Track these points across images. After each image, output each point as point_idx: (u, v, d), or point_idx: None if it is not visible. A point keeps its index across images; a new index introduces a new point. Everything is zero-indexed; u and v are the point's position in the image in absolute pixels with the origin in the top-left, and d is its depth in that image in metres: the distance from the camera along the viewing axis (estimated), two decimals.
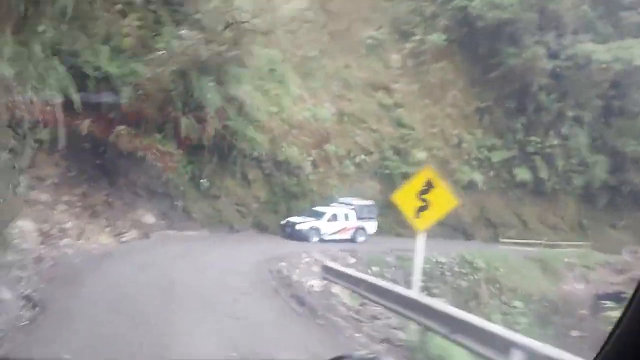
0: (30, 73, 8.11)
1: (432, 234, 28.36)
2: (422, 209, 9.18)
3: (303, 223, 22.32)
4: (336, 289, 11.13)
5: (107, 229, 19.51)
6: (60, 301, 8.78)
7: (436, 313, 7.06)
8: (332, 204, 24.25)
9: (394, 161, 27.36)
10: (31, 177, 20.31)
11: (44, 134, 20.69)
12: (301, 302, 10.25)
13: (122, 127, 19.96)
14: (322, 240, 22.24)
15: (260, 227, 23.16)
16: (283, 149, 23.64)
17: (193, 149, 21.23)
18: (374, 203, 24.80)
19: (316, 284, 12.21)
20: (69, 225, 18.88)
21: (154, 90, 20.21)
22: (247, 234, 22.09)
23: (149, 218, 20.38)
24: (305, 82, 28.14)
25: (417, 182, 9.45)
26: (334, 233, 23.08)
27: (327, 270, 11.59)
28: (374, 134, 27.89)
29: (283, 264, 14.79)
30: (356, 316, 9.55)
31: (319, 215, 23.02)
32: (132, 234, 19.19)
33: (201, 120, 20.72)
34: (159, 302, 8.78)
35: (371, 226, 24.58)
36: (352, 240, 23.52)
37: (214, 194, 22.20)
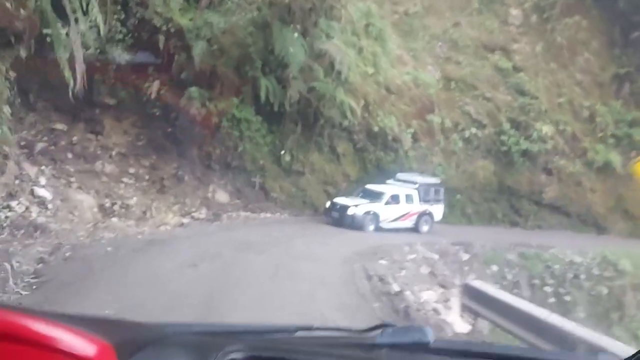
0: None
1: (553, 224, 23.30)
2: None
3: (356, 206, 17.21)
4: (483, 323, 6.76)
5: (175, 207, 16.97)
6: None
7: None
8: (388, 182, 19.09)
9: (512, 136, 22.60)
10: (97, 146, 18.49)
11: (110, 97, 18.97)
12: None
13: (194, 88, 17.20)
14: (378, 229, 17.42)
15: None
16: (379, 119, 19.83)
17: (274, 116, 18.04)
18: (440, 182, 19.81)
19: (433, 298, 8.46)
20: (133, 201, 16.54)
21: (229, 45, 17.23)
22: None
23: (222, 196, 17.58)
24: (405, 42, 24.07)
25: None
26: (395, 220, 18.08)
27: (472, 294, 6.73)
28: (488, 103, 23.25)
29: (383, 262, 11.11)
30: None
31: (374, 196, 17.78)
32: (201, 213, 16.45)
33: (283, 82, 17.49)
34: None
35: (438, 211, 19.36)
36: (415, 229, 18.50)
37: (297, 169, 18.92)
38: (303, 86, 17.34)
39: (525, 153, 22.65)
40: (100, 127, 18.42)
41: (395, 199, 18.06)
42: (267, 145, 18.30)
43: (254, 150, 18.01)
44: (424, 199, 18.76)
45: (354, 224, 16.85)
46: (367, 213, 17.29)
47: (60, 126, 18.13)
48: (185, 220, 14.65)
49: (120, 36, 16.65)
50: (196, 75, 17.46)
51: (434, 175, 21.36)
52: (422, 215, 18.74)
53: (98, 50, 16.20)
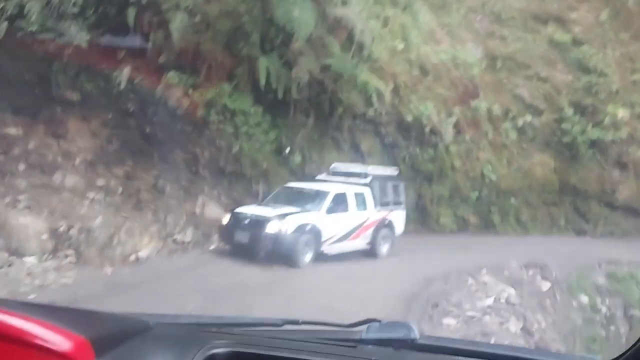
0: None
1: (628, 230, 18.92)
2: None
3: (282, 218, 10.51)
4: None
5: (153, 228, 13.10)
6: None
7: None
8: (321, 177, 13.01)
9: (576, 123, 18.30)
10: (57, 153, 14.86)
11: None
12: None
13: (172, 73, 13.40)
14: (319, 258, 10.79)
15: None
16: (412, 105, 15.69)
17: (278, 106, 14.05)
18: (397, 172, 13.60)
19: None
20: (97, 222, 12.75)
21: (216, 16, 13.36)
22: None
23: (214, 210, 13.62)
24: (438, 17, 19.95)
25: None
26: (343, 238, 11.47)
27: None
28: (544, 84, 19.00)
29: (450, 321, 6.97)
30: None
31: (306, 198, 11.45)
32: (186, 235, 12.59)
33: (288, 61, 13.52)
34: None
35: (399, 220, 12.82)
36: (371, 251, 12.10)
37: (310, 173, 14.86)
38: (314, 64, 13.30)
39: (594, 144, 18.31)
40: (63, 129, 14.72)
41: (340, 202, 11.48)
42: (271, 144, 14.28)
43: (253, 151, 14.03)
44: (382, 202, 12.41)
45: (280, 252, 10.18)
46: (301, 229, 10.51)
47: (14, 130, 14.52)
48: (142, 253, 10.65)
49: (76, 10, 12.94)
50: (176, 57, 13.67)
51: (481, 175, 17.28)
52: (380, 227, 12.26)
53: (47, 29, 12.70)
